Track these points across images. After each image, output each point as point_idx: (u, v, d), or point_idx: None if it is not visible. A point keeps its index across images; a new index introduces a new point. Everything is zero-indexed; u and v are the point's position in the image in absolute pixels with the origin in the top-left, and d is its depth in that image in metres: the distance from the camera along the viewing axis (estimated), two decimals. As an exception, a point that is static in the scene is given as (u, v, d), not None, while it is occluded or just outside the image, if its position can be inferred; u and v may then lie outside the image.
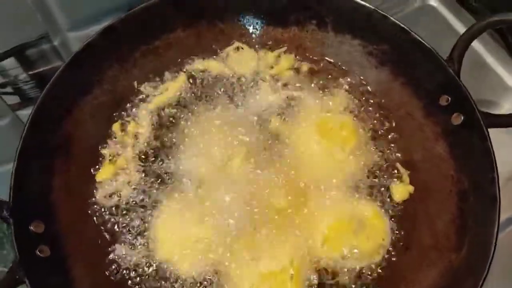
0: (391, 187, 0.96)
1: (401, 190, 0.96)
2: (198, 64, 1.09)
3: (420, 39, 0.95)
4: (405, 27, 0.97)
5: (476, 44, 1.00)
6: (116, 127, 1.00)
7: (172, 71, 1.08)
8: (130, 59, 1.03)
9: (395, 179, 0.97)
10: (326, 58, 1.09)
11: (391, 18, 0.98)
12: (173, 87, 1.06)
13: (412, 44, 0.97)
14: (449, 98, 0.93)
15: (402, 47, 1.00)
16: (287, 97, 1.05)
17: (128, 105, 1.03)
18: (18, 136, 0.85)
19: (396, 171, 0.98)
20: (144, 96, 1.05)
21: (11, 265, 0.76)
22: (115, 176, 0.96)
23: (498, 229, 0.81)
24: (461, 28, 1.30)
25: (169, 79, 1.07)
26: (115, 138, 1.00)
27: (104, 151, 0.98)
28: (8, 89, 1.12)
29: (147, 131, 1.01)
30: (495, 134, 0.88)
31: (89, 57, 0.96)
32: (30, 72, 1.09)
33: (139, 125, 1.01)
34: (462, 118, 0.91)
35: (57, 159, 0.92)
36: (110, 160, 0.97)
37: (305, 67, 1.09)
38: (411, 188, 0.96)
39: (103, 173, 0.96)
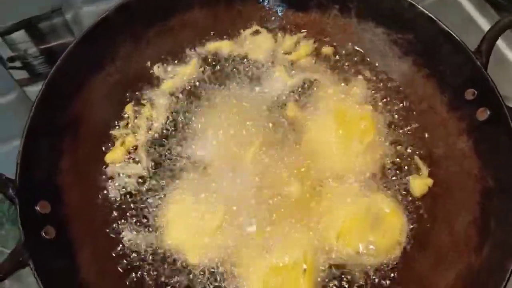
0: (410, 181, 0.93)
1: (420, 184, 0.93)
2: (213, 46, 1.06)
3: (448, 30, 0.92)
4: (433, 17, 0.94)
5: (498, 40, 0.99)
6: (129, 108, 0.98)
7: (187, 53, 1.05)
8: (144, 37, 1.01)
9: (414, 174, 0.94)
10: (347, 45, 1.06)
11: (419, 6, 0.95)
12: (186, 69, 1.03)
13: (440, 34, 0.93)
14: (475, 92, 0.90)
15: (428, 37, 0.96)
16: (305, 84, 1.02)
17: (141, 86, 1.01)
18: (24, 113, 0.83)
19: (415, 166, 0.95)
20: (157, 77, 1.02)
21: (14, 247, 0.73)
22: (125, 159, 0.94)
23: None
24: (482, 22, 1.27)
25: (183, 61, 1.04)
26: (127, 119, 0.97)
27: (115, 133, 0.96)
28: (17, 63, 1.10)
29: (160, 114, 0.98)
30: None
31: (102, 33, 0.93)
32: (41, 47, 1.06)
33: (152, 107, 0.99)
34: (489, 113, 0.88)
35: (66, 137, 0.89)
36: (120, 142, 0.95)
37: (324, 53, 1.06)
38: (429, 182, 0.93)
39: (113, 156, 0.94)
